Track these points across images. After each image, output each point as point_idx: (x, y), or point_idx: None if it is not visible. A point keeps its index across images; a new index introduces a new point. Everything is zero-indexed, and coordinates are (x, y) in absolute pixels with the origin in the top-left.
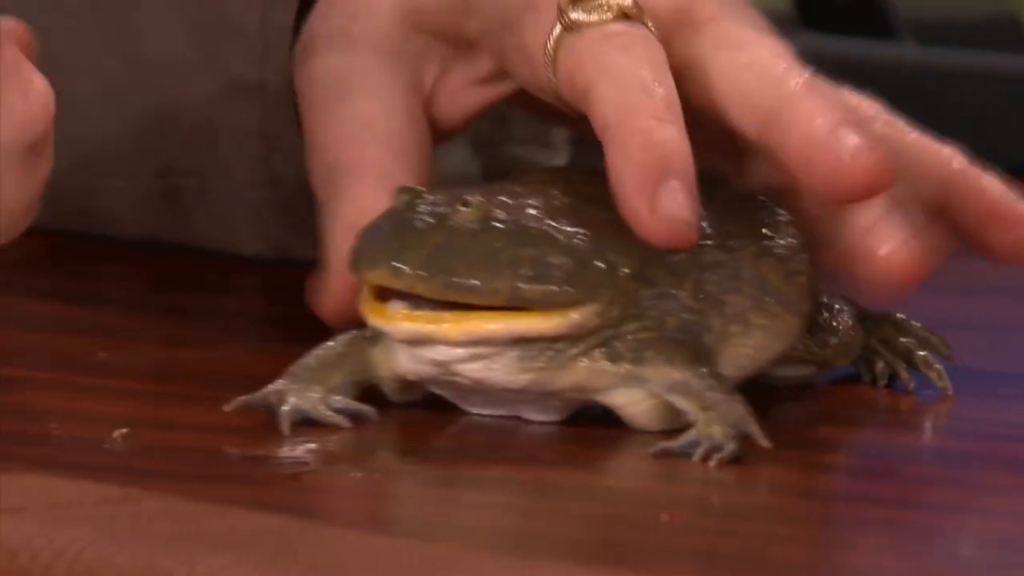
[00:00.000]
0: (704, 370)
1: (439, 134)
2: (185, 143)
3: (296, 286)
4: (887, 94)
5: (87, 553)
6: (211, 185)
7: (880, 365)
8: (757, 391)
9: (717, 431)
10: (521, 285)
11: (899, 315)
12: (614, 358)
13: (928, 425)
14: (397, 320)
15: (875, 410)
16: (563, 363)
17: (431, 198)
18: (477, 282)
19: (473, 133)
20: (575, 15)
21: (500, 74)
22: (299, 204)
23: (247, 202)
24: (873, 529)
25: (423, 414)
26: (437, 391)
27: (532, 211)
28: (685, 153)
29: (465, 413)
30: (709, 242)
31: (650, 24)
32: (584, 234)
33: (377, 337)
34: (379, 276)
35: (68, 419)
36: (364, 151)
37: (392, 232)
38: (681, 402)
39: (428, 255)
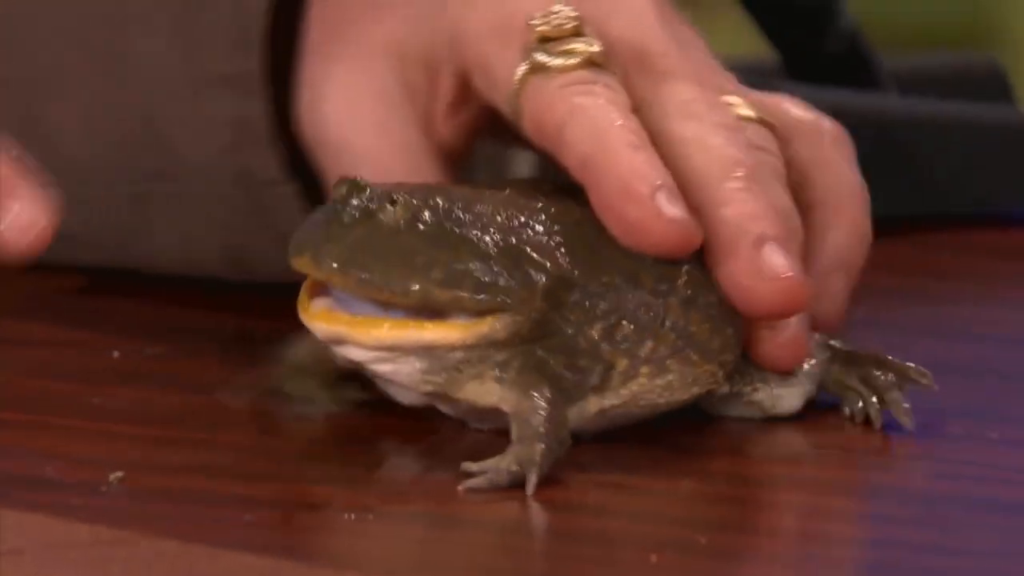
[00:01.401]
0: (544, 407)
1: (448, 160)
2: (158, 146)
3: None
4: (872, 144)
5: None
6: (179, 188)
7: (857, 404)
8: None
9: (505, 462)
10: (433, 289)
11: (884, 355)
12: (500, 379)
13: (918, 466)
14: (316, 318)
15: (869, 452)
16: (460, 380)
17: (367, 192)
18: (390, 282)
19: None
20: (541, 57)
21: (467, 94)
22: (267, 202)
23: (214, 202)
24: (870, 573)
25: (409, 452)
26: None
27: (461, 215)
28: (665, 170)
29: (442, 449)
30: (641, 286)
31: (616, 71)
32: (509, 244)
33: None
34: (302, 264)
35: (64, 462)
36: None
37: (321, 222)
38: (513, 427)
39: (348, 250)
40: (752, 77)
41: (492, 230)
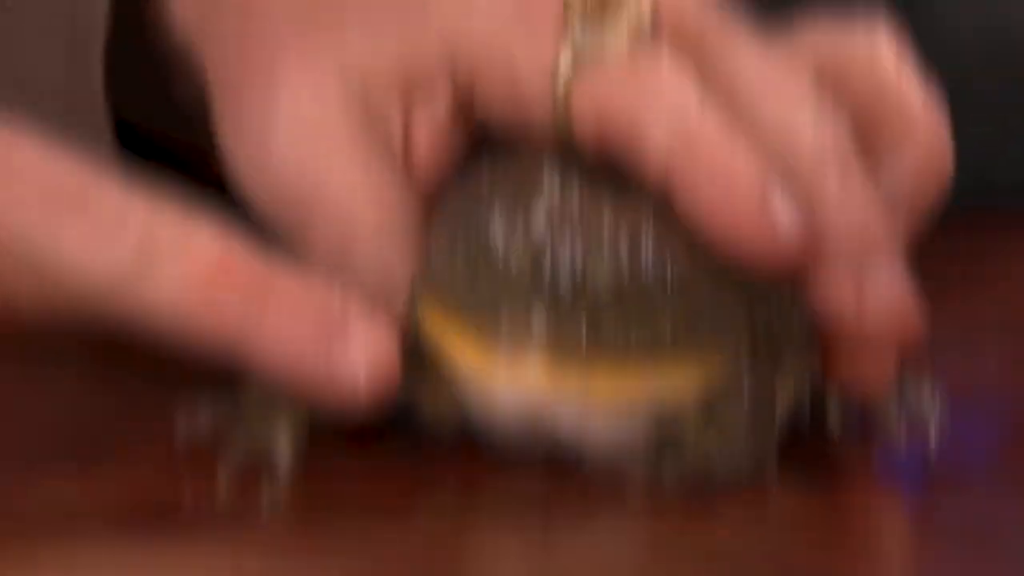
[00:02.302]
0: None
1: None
2: None
3: None
4: None
5: None
6: None
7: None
8: None
9: (736, 460)
10: (672, 344)
11: None
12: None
13: None
14: (533, 378)
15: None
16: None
17: (565, 251)
18: (642, 337)
19: None
20: (587, 39)
21: (462, 110)
22: None
23: None
24: None
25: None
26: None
27: (657, 259)
28: (760, 166)
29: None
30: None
31: (667, 38)
32: (689, 279)
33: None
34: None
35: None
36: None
37: (531, 287)
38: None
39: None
40: None
41: (669, 267)
